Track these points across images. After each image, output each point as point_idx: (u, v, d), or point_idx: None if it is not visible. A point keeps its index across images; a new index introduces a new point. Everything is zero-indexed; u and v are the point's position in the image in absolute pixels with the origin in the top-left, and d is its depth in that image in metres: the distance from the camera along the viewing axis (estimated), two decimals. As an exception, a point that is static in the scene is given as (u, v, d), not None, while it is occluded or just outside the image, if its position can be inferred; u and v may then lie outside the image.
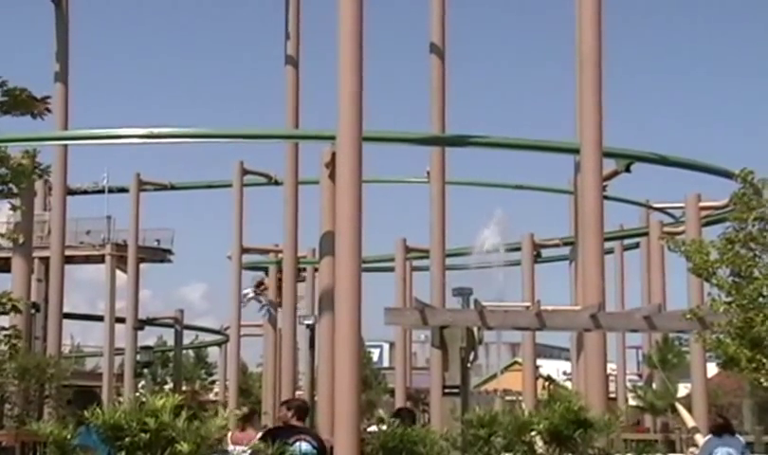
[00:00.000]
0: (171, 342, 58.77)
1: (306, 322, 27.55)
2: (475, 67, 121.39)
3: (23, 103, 17.47)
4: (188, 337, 60.42)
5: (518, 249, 40.66)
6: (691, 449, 19.62)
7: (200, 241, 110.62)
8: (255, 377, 61.39)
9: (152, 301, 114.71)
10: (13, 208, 20.20)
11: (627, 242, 43.33)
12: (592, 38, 19.95)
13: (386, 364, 75.46)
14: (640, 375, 46.33)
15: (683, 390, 35.56)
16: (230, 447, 10.57)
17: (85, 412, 5.34)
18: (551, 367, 57.96)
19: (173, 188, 45.24)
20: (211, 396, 63.87)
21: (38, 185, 29.82)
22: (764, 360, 12.43)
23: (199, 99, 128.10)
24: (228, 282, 42.45)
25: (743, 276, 12.55)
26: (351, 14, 17.30)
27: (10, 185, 17.49)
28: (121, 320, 43.75)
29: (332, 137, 19.42)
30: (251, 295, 44.51)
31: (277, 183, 36.55)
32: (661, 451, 28.52)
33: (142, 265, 44.94)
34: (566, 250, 37.24)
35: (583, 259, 20.09)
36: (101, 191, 44.63)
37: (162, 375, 66.54)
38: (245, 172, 40.63)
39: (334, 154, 19.30)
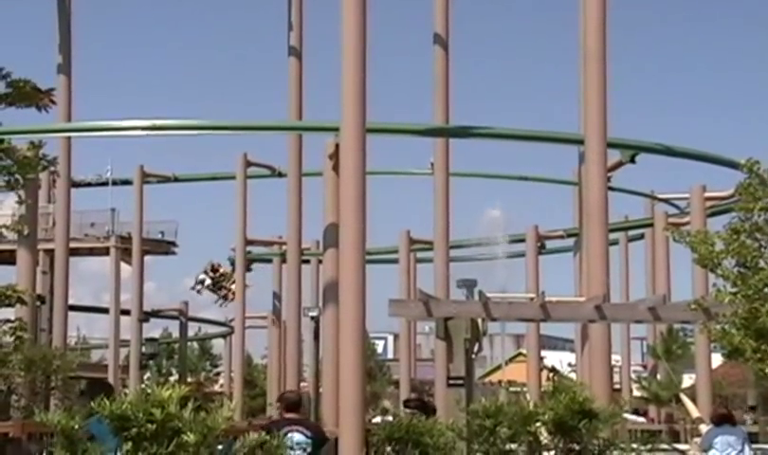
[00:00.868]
0: (176, 334, 58.84)
1: (311, 314, 27.57)
2: (479, 59, 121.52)
3: (27, 95, 17.50)
4: (192, 329, 60.53)
5: (522, 241, 40.65)
6: (695, 439, 19.63)
7: (204, 233, 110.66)
8: (260, 369, 61.50)
9: (156, 293, 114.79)
10: (19, 200, 20.22)
11: (631, 233, 43.28)
12: (596, 29, 19.94)
13: (390, 356, 75.62)
14: (645, 366, 46.45)
15: (687, 380, 35.60)
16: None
17: (92, 403, 5.34)
18: (555, 358, 58.07)
19: (176, 180, 45.17)
20: (217, 388, 64.04)
21: (42, 177, 29.84)
22: (769, 351, 12.45)
23: (202, 90, 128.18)
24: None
25: (749, 266, 12.55)
26: (354, 5, 17.29)
27: (17, 176, 17.51)
28: (126, 312, 43.77)
29: (335, 129, 19.42)
30: (208, 281, 44.87)
31: (281, 175, 36.54)
32: (665, 442, 28.52)
33: (147, 257, 44.95)
34: (570, 242, 37.27)
35: (587, 250, 20.10)
36: (105, 184, 44.58)
37: (167, 367, 66.81)
38: (248, 163, 40.64)
39: (337, 146, 19.31)
